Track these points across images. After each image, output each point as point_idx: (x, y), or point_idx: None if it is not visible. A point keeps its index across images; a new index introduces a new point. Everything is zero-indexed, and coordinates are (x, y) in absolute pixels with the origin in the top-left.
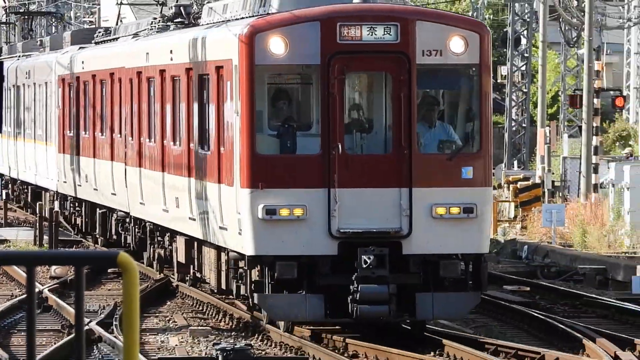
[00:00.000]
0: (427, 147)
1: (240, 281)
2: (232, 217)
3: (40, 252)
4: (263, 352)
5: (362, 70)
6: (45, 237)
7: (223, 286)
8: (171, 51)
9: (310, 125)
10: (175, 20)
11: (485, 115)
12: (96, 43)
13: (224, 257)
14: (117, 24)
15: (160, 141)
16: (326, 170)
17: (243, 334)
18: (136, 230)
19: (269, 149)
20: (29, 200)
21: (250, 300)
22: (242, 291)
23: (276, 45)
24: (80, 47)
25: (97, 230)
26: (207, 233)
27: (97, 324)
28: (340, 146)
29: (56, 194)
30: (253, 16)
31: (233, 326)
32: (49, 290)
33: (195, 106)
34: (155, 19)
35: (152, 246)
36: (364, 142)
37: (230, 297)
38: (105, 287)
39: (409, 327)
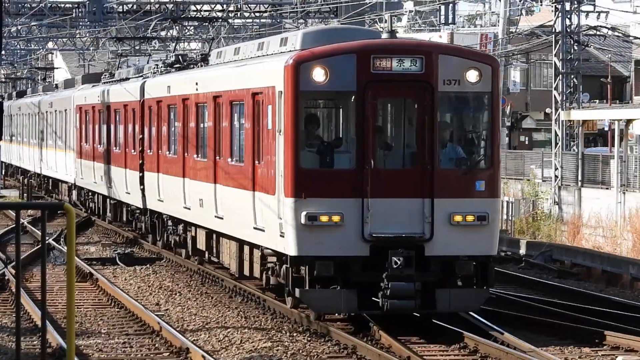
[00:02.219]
0: (444, 164)
1: (272, 274)
2: (270, 221)
3: (18, 203)
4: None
5: (391, 96)
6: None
7: (245, 273)
8: (196, 83)
9: (346, 143)
10: (174, 65)
11: (496, 135)
12: (104, 83)
13: (246, 249)
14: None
15: (182, 153)
16: (360, 182)
17: (131, 247)
18: (146, 219)
19: (310, 163)
20: (50, 188)
21: (290, 293)
22: (272, 282)
23: (318, 74)
24: (93, 85)
25: (109, 214)
26: (232, 229)
27: (53, 239)
28: (372, 162)
29: (74, 185)
30: (273, 54)
31: (124, 240)
32: (27, 222)
33: (227, 126)
34: (157, 65)
35: (164, 232)
36: (393, 159)
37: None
38: (57, 222)
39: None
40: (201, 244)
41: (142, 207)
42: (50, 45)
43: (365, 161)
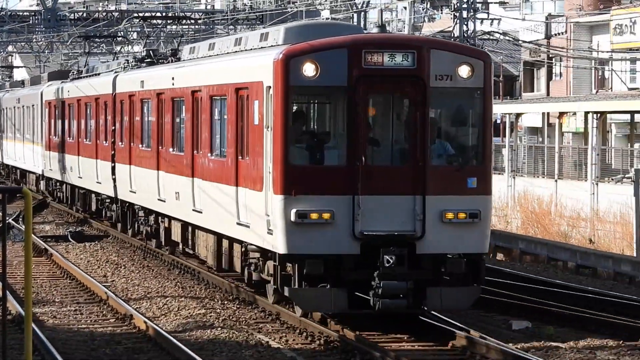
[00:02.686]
0: (436, 160)
1: (254, 269)
2: (257, 217)
3: None
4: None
5: (383, 91)
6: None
7: (224, 266)
8: (173, 77)
9: (337, 140)
10: (145, 60)
11: (488, 132)
12: (72, 79)
13: (225, 243)
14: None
15: (156, 146)
16: (351, 179)
17: (81, 225)
18: (117, 208)
19: (300, 160)
20: (18, 177)
21: (276, 290)
22: (254, 277)
23: (308, 69)
24: (62, 82)
25: (77, 203)
26: (211, 224)
27: (12, 219)
28: (363, 158)
29: (42, 176)
30: (252, 49)
31: (75, 220)
32: None
33: (206, 121)
34: (127, 60)
35: (135, 222)
36: (384, 155)
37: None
38: (16, 204)
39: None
40: (176, 236)
41: (113, 196)
42: (10, 48)
43: (356, 158)
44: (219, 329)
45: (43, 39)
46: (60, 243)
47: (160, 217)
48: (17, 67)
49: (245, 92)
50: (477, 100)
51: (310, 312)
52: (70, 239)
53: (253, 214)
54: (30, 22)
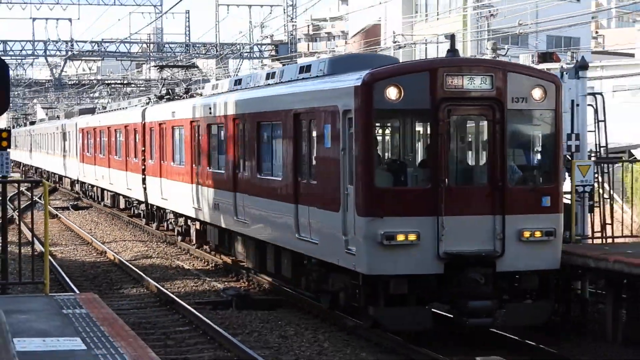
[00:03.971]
0: (514, 180)
1: (314, 280)
2: (330, 236)
3: (18, 179)
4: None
5: (464, 114)
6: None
7: (268, 268)
8: (210, 107)
9: (420, 161)
10: (165, 97)
11: (559, 151)
12: (98, 113)
13: (271, 249)
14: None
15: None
16: (435, 200)
17: (76, 201)
18: (145, 208)
19: (385, 182)
20: (57, 180)
21: (364, 311)
22: (313, 287)
23: (392, 92)
24: (91, 115)
25: (107, 201)
26: (255, 233)
27: (37, 198)
28: (446, 180)
29: (77, 180)
30: (290, 80)
31: (73, 198)
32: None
33: (254, 144)
34: (149, 98)
35: (165, 221)
36: (465, 176)
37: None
38: (39, 189)
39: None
40: (212, 237)
41: (143, 200)
42: (34, 100)
43: (440, 179)
44: (155, 258)
45: (54, 95)
46: (65, 211)
47: (190, 220)
48: (48, 107)
49: (308, 117)
50: (549, 122)
51: (394, 330)
52: (71, 209)
53: (321, 233)
54: (46, 85)
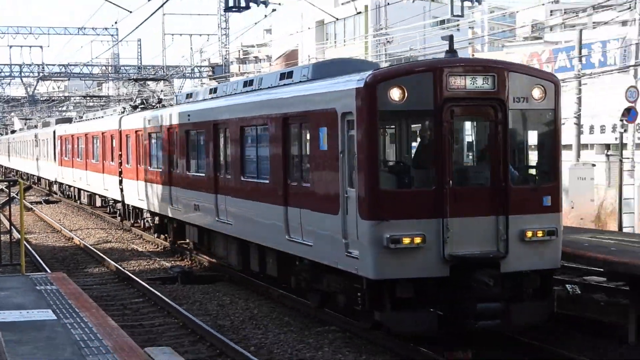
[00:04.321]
0: (516, 180)
1: (304, 280)
2: (328, 239)
3: None
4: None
5: (466, 114)
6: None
7: (252, 267)
8: (189, 115)
9: (424, 163)
10: (141, 106)
11: (558, 150)
12: (75, 123)
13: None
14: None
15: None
16: (439, 202)
17: (48, 196)
18: (122, 206)
19: (389, 185)
20: (36, 181)
21: (367, 315)
22: (303, 285)
23: (395, 93)
24: (68, 123)
25: (84, 199)
26: (240, 233)
27: (14, 194)
28: (451, 181)
29: (55, 181)
30: (273, 86)
31: (45, 194)
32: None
33: (238, 148)
34: (124, 108)
35: (142, 220)
36: (469, 177)
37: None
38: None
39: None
40: (191, 236)
41: (120, 200)
42: (12, 114)
43: (444, 180)
44: (114, 243)
45: (28, 109)
46: (38, 205)
47: (166, 219)
48: (24, 119)
49: (299, 121)
50: (549, 121)
51: (401, 334)
52: (43, 203)
53: (316, 235)
54: (21, 101)
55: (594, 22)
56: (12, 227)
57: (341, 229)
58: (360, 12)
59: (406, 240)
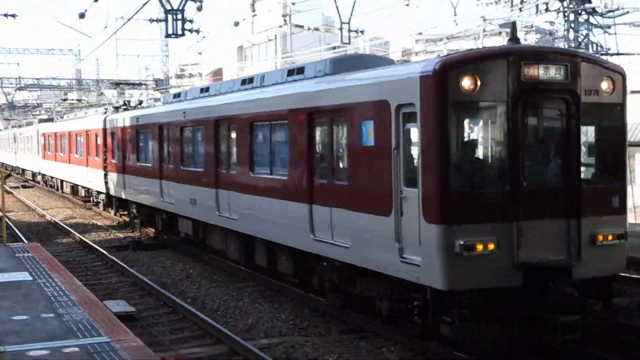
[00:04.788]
0: (587, 180)
1: (345, 286)
2: (376, 243)
3: None
4: None
5: (540, 107)
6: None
7: (257, 262)
8: (184, 112)
9: (498, 161)
10: (122, 107)
11: (625, 147)
12: (57, 121)
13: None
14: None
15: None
16: (514, 204)
17: (26, 182)
18: (105, 197)
19: (460, 185)
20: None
21: (431, 326)
22: (327, 287)
23: (467, 82)
24: (51, 122)
25: (67, 189)
26: (250, 230)
27: None
28: (524, 181)
29: (39, 172)
30: (284, 82)
31: (23, 181)
32: None
33: (247, 143)
34: (106, 109)
35: (130, 210)
36: (542, 177)
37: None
38: None
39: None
40: (184, 228)
41: (104, 192)
42: None
43: (519, 180)
44: (78, 219)
45: (8, 113)
46: (16, 189)
47: (154, 210)
48: (7, 119)
49: (329, 116)
50: (617, 116)
51: (472, 348)
52: (21, 187)
53: (355, 237)
54: (2, 107)
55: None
56: None
57: (394, 232)
58: (271, 40)
59: (479, 247)
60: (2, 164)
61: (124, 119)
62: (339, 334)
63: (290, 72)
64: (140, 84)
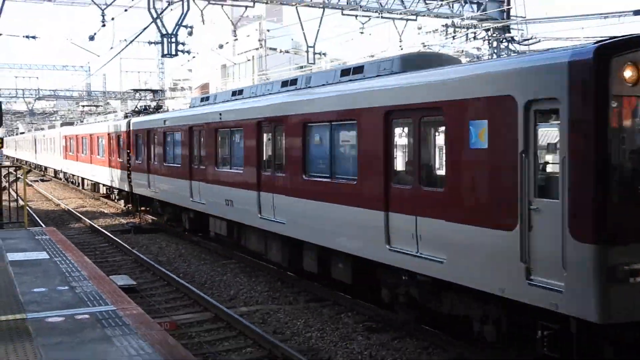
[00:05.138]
0: None
1: (426, 301)
2: (496, 261)
3: (3, 165)
4: None
5: None
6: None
7: (333, 276)
8: (220, 113)
9: None
10: (143, 111)
11: None
12: (77, 125)
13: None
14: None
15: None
16: None
17: (43, 177)
18: (128, 195)
19: (620, 196)
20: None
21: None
22: (402, 299)
23: (628, 72)
24: (70, 125)
25: (87, 187)
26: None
27: (19, 175)
28: None
29: (61, 170)
30: (329, 84)
31: (41, 176)
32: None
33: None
34: (126, 113)
35: (156, 208)
36: None
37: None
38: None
39: None
40: (218, 229)
41: (128, 190)
42: (17, 122)
43: None
44: (88, 207)
45: (29, 119)
46: (35, 182)
47: (179, 208)
48: (28, 123)
49: (415, 115)
50: None
51: None
52: (40, 181)
53: (455, 250)
54: (24, 113)
55: None
56: (18, 197)
57: (518, 249)
58: (249, 60)
59: None
60: (26, 161)
61: (149, 121)
62: (305, 303)
63: (345, 72)
64: (157, 91)
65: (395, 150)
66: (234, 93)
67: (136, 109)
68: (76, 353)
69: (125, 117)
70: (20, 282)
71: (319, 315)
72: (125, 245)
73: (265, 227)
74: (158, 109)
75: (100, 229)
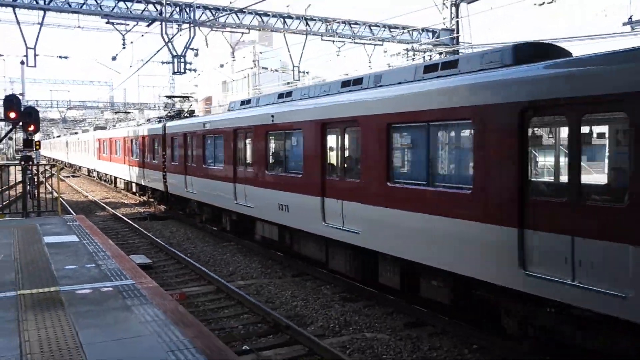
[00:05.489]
0: None
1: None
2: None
3: (45, 164)
4: None
5: None
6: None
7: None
8: (272, 116)
9: None
10: (176, 116)
11: None
12: (110, 129)
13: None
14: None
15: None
16: None
17: (74, 173)
18: (165, 195)
19: None
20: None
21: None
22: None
23: None
24: (102, 130)
25: (120, 185)
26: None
27: (54, 171)
28: None
29: (94, 169)
30: (419, 80)
31: (72, 173)
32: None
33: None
34: (160, 118)
35: (191, 209)
36: None
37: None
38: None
39: None
40: (265, 232)
41: (163, 190)
42: (52, 128)
43: None
44: (112, 199)
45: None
46: (67, 178)
47: (219, 209)
48: (63, 127)
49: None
50: None
51: None
52: (71, 176)
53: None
54: (57, 121)
55: None
56: (53, 190)
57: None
58: (245, 77)
59: None
60: (60, 161)
61: (186, 125)
62: (292, 277)
63: (429, 68)
64: (188, 97)
65: (534, 152)
66: (280, 95)
67: (169, 114)
68: (101, 319)
69: (159, 121)
70: (54, 261)
71: (303, 287)
72: (142, 230)
73: (332, 235)
74: (191, 113)
75: (121, 216)
